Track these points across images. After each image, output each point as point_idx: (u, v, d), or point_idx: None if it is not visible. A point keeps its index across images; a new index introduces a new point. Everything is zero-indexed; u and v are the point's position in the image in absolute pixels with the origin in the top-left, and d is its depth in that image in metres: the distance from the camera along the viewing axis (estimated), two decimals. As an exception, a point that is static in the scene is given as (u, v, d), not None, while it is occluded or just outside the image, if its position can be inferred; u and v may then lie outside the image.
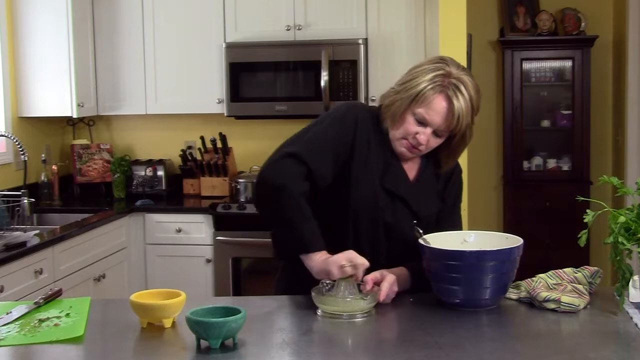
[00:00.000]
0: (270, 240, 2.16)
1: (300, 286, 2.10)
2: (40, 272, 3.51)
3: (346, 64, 4.46)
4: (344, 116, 2.19)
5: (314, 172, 2.10)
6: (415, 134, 2.12)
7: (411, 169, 2.24)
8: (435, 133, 2.13)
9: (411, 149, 2.15)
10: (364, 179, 2.15)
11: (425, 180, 2.24)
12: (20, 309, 2.03)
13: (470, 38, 4.36)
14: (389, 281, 2.04)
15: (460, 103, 2.08)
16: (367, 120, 2.19)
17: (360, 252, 2.06)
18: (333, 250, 2.05)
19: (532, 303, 2.03)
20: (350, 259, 2.00)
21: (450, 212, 2.29)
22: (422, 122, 2.11)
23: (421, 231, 2.09)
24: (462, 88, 2.08)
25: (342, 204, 2.15)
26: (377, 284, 2.04)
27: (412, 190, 2.21)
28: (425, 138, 2.12)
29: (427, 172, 2.25)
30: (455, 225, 2.28)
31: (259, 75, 4.61)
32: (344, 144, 2.15)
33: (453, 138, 2.17)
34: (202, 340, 1.74)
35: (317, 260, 2.03)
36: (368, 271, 2.05)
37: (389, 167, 2.18)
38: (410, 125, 2.12)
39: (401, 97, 2.13)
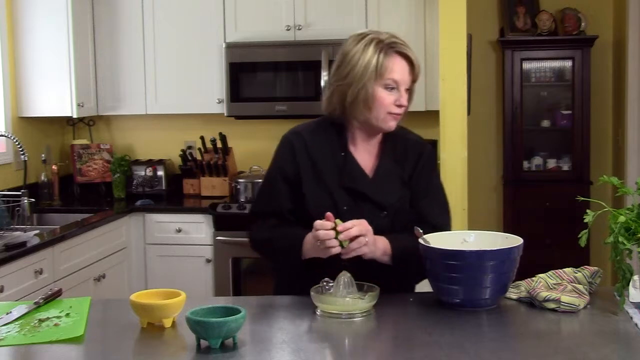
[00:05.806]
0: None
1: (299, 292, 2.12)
2: (40, 272, 3.51)
3: (346, 64, 4.44)
4: (279, 150, 2.29)
5: (279, 212, 2.22)
6: (394, 102, 2.18)
7: (367, 162, 2.26)
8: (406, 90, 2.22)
9: (398, 116, 2.21)
10: (317, 193, 2.20)
11: (384, 169, 2.25)
12: (20, 309, 2.03)
13: (470, 38, 4.35)
14: (357, 225, 2.04)
15: (412, 51, 2.20)
16: (301, 138, 2.24)
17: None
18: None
19: (532, 303, 2.03)
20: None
21: (425, 192, 2.27)
22: (394, 88, 2.18)
23: (421, 231, 2.09)
24: (400, 40, 2.20)
25: (311, 218, 2.13)
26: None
27: (371, 182, 2.23)
28: (405, 98, 2.20)
29: (385, 161, 2.26)
30: (434, 204, 2.28)
31: (259, 75, 4.61)
32: (291, 172, 2.23)
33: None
34: (202, 340, 1.74)
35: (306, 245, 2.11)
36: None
37: (344, 167, 2.21)
38: (386, 98, 2.17)
39: (359, 85, 2.16)
